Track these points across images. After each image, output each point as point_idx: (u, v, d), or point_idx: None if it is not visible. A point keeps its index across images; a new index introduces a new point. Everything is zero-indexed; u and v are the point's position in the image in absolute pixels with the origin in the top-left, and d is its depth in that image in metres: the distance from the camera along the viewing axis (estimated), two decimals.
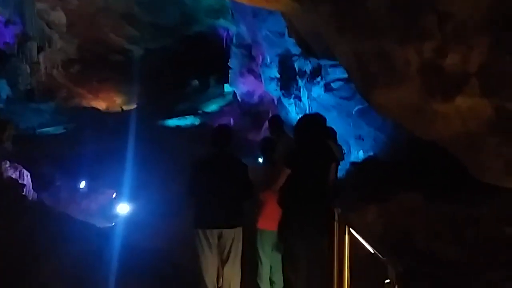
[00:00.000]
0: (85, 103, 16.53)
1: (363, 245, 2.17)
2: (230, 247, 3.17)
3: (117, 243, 5.14)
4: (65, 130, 13.04)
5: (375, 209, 3.15)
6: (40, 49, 16.42)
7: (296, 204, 2.99)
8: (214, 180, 3.12)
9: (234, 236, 3.18)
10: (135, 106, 16.86)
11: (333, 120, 8.23)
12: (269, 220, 3.26)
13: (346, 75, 7.80)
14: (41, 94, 15.60)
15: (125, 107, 16.77)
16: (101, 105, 17.01)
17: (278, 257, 3.36)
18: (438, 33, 2.66)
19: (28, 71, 15.45)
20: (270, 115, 11.41)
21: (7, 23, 14.82)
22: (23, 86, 15.02)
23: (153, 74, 18.22)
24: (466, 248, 2.91)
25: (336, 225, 2.56)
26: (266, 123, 11.57)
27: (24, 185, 7.92)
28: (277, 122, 4.73)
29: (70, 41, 18.59)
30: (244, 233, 3.32)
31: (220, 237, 3.15)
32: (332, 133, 4.62)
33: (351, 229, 2.39)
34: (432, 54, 2.70)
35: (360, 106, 7.68)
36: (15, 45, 15.20)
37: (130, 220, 7.57)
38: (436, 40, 2.67)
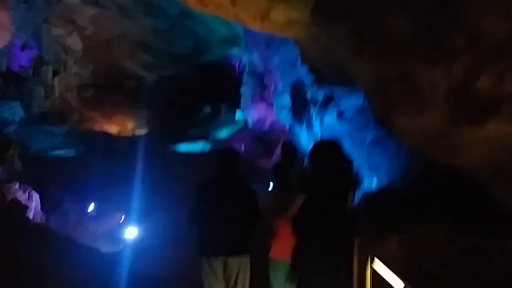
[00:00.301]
0: (97, 127, 16.63)
1: (384, 278, 2.03)
2: (237, 277, 2.98)
3: (122, 269, 5.00)
4: (76, 153, 13.06)
5: (395, 240, 3.00)
6: (55, 73, 16.70)
7: (312, 233, 2.84)
8: (219, 204, 2.96)
9: (241, 265, 3.00)
10: (146, 131, 16.93)
11: (346, 149, 8.13)
12: (282, 248, 3.12)
13: (359, 104, 7.77)
14: (55, 117, 15.75)
15: (137, 132, 16.84)
16: (113, 129, 17.11)
17: None
18: (469, 54, 2.52)
19: (43, 94, 15.68)
20: (282, 142, 11.36)
21: (23, 47, 15.15)
22: (37, 109, 15.20)
23: (166, 100, 18.37)
24: (493, 282, 2.74)
25: (356, 256, 2.42)
26: (279, 149, 11.52)
27: (28, 208, 7.84)
28: (290, 148, 4.66)
29: (85, 66, 18.88)
30: (255, 262, 3.16)
31: (225, 265, 2.96)
32: (348, 160, 4.51)
33: (373, 261, 2.26)
34: (461, 77, 2.57)
35: (373, 135, 7.57)
36: (31, 68, 15.47)
37: (137, 245, 7.43)
38: (467, 61, 2.54)
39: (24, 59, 15.83)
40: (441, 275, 2.83)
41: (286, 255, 3.01)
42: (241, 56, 16.03)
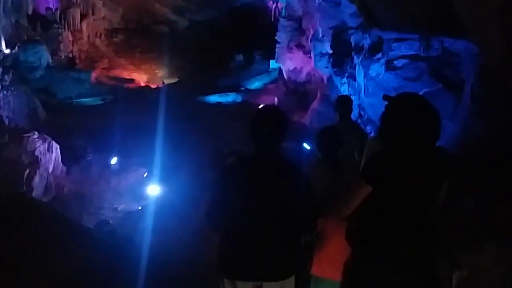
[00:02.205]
0: (126, 74, 16.04)
1: None
2: None
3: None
4: (102, 102, 12.57)
5: (494, 251, 2.14)
6: (83, 17, 16.00)
7: (384, 243, 1.65)
8: (253, 200, 1.71)
9: None
10: (176, 79, 16.21)
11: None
12: (330, 263, 2.02)
13: (413, 52, 6.65)
14: (82, 63, 15.24)
15: (166, 81, 16.16)
16: (142, 77, 16.49)
17: None
18: None
19: (70, 38, 15.09)
20: (319, 95, 10.34)
21: None
22: (64, 54, 14.68)
23: (197, 47, 17.47)
24: None
25: (454, 277, 1.52)
26: (315, 104, 10.52)
27: (37, 168, 7.34)
28: (347, 104, 3.67)
29: (114, 9, 18.10)
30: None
31: None
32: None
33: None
34: None
35: (427, 89, 6.50)
36: (58, 11, 14.81)
37: (159, 204, 6.90)
38: None
39: (51, 1, 15.15)
40: None
41: (335, 274, 1.85)
42: None
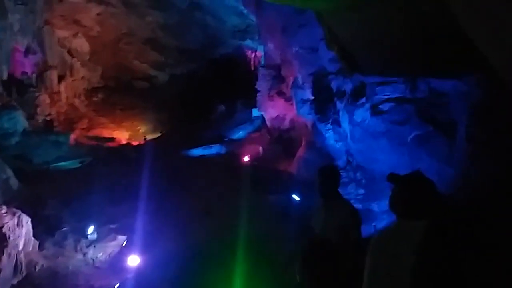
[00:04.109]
0: (106, 133, 15.62)
1: None
2: None
3: None
4: (80, 165, 12.03)
5: None
6: (61, 78, 15.76)
7: None
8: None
9: None
10: (159, 134, 15.84)
11: (382, 150, 6.73)
12: None
13: (398, 95, 6.36)
14: (61, 125, 14.82)
15: (148, 136, 15.76)
16: (123, 135, 16.08)
17: None
18: None
19: (48, 101, 14.74)
20: (304, 142, 9.98)
21: (26, 52, 14.22)
22: (42, 117, 14.27)
23: (178, 101, 17.29)
24: None
25: None
26: (300, 151, 10.13)
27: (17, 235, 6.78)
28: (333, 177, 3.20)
29: (93, 69, 17.98)
30: None
31: None
32: None
33: None
34: None
35: (418, 132, 6.16)
36: (34, 74, 14.54)
37: (139, 277, 6.27)
38: None
39: (27, 65, 14.90)
40: None
41: None
42: (256, 48, 14.72)
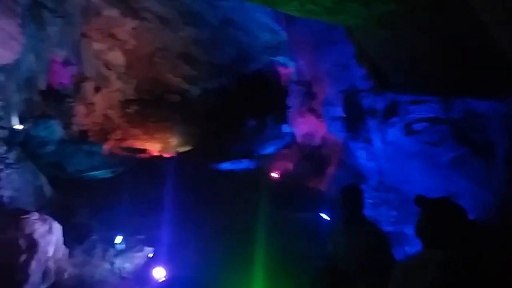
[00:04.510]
0: (138, 144, 15.92)
1: None
2: None
3: None
4: (112, 175, 12.27)
5: None
6: (97, 90, 16.24)
7: None
8: None
9: None
10: (190, 148, 16.01)
11: (416, 171, 6.53)
12: None
13: (432, 114, 6.18)
14: (95, 136, 15.22)
15: (180, 149, 15.96)
16: (155, 147, 16.35)
17: None
18: None
19: (84, 112, 15.19)
20: (334, 159, 9.84)
21: (64, 63, 14.75)
22: (77, 127, 14.69)
23: (209, 115, 17.46)
24: None
25: None
26: (330, 169, 10.00)
27: (35, 252, 6.86)
28: (357, 195, 3.12)
29: (129, 81, 18.43)
30: None
31: None
32: None
33: None
34: None
35: (453, 154, 5.94)
36: (71, 85, 15.05)
37: None
38: None
39: (64, 76, 15.45)
40: None
41: None
42: (287, 64, 14.73)
